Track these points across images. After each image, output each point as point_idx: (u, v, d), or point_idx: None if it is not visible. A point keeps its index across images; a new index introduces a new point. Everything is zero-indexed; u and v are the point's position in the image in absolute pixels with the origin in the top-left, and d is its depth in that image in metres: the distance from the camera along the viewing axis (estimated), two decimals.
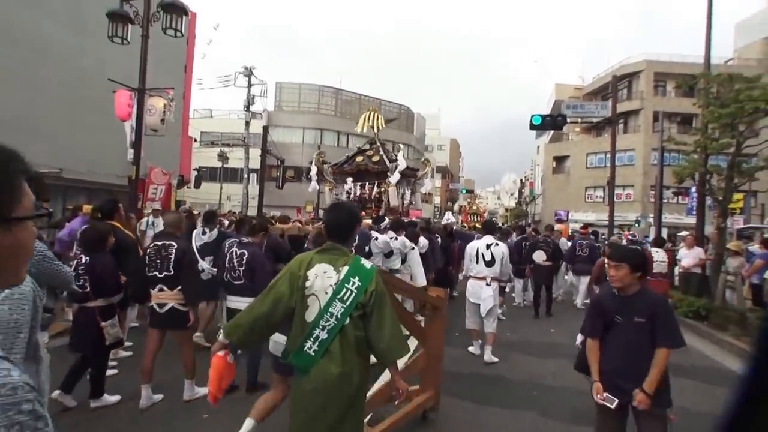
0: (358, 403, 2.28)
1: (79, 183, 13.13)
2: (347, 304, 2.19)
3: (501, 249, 5.98)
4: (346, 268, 2.25)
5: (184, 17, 8.81)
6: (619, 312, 2.75)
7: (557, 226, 11.61)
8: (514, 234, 10.31)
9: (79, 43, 12.56)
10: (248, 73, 23.53)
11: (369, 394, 3.12)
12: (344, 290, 2.20)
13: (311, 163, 26.74)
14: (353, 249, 5.52)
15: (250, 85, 23.56)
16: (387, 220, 7.84)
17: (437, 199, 48.22)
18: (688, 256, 9.30)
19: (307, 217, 12.58)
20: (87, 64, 12.46)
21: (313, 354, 2.18)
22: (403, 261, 6.70)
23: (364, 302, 2.21)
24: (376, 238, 6.36)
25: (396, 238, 6.56)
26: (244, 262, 4.32)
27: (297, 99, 35.90)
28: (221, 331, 2.45)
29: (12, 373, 0.64)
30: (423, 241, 7.34)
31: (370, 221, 7.92)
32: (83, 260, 3.87)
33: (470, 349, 6.03)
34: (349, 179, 11.04)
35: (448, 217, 16.00)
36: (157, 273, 3.99)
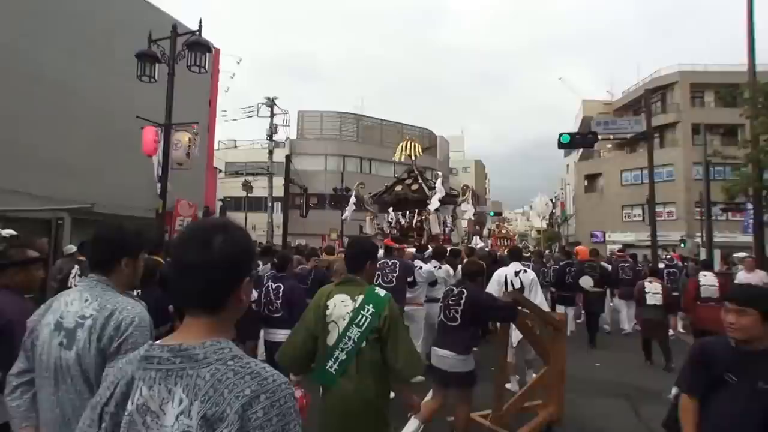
0: (379, 419, 2.48)
1: (110, 218, 13.27)
2: (363, 328, 2.42)
3: (530, 276, 5.78)
4: (361, 297, 2.49)
5: (207, 54, 8.87)
6: (735, 370, 2.06)
7: (577, 249, 10.99)
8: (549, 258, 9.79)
9: (108, 82, 12.88)
10: (270, 103, 23.89)
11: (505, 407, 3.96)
12: (360, 316, 2.44)
13: (336, 190, 26.83)
14: (395, 280, 5.67)
15: (272, 115, 23.88)
16: (430, 249, 7.66)
17: (464, 223, 47.57)
18: (749, 281, 8.47)
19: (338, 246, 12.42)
20: (116, 102, 12.73)
21: (333, 373, 2.43)
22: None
23: (379, 327, 2.42)
24: (420, 268, 6.33)
25: (440, 267, 6.55)
26: (280, 294, 4.41)
27: (319, 127, 36.29)
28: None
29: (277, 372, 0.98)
30: None
31: (413, 250, 7.69)
32: (134, 293, 4.05)
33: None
34: (390, 208, 10.99)
35: (477, 242, 15.54)
36: None
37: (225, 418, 0.90)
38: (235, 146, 36.32)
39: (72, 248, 7.99)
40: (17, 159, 11.02)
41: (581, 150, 37.15)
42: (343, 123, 36.60)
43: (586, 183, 38.37)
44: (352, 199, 11.63)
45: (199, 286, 1.03)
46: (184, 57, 8.62)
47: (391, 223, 11.00)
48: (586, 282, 8.19)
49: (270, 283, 4.54)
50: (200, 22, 8.84)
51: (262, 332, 4.89)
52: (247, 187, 27.90)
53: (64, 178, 11.90)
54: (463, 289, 3.82)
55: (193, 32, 8.80)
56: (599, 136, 13.21)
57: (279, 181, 23.80)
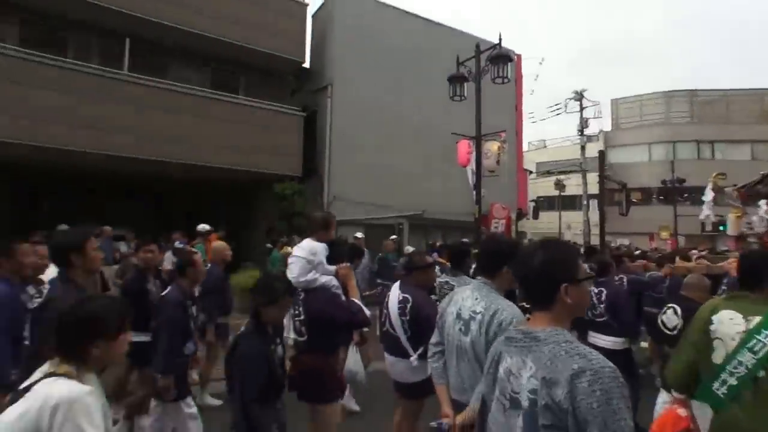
0: None
1: (437, 222, 15.55)
2: (759, 356, 2.09)
3: None
4: (757, 319, 2.15)
5: (509, 64, 9.20)
6: None
7: None
8: None
9: (427, 105, 15.02)
10: (579, 96, 22.78)
11: None
12: (754, 341, 2.12)
13: (665, 182, 23.06)
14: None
15: (582, 109, 22.72)
16: None
17: None
18: None
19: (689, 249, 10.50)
20: (434, 121, 14.75)
21: (721, 396, 2.19)
22: None
23: None
24: None
25: None
26: (603, 299, 4.47)
27: (638, 113, 31.98)
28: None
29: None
30: None
31: None
32: None
33: None
34: (762, 202, 8.88)
35: None
36: None
37: (559, 383, 1.25)
38: (545, 146, 36.09)
39: (410, 249, 9.80)
40: (374, 177, 14.10)
41: None
42: (670, 104, 31.13)
43: None
44: (710, 195, 9.82)
45: (530, 291, 1.50)
46: (488, 72, 9.31)
47: None
48: None
49: (592, 288, 4.61)
50: (500, 36, 9.38)
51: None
52: (559, 185, 27.35)
53: (401, 189, 14.59)
54: None
55: (494, 46, 9.37)
56: None
57: (593, 178, 22.31)
